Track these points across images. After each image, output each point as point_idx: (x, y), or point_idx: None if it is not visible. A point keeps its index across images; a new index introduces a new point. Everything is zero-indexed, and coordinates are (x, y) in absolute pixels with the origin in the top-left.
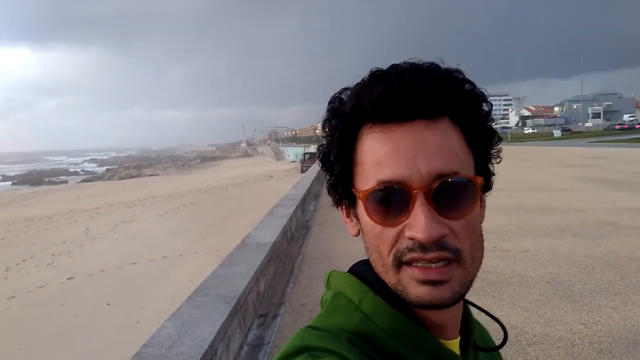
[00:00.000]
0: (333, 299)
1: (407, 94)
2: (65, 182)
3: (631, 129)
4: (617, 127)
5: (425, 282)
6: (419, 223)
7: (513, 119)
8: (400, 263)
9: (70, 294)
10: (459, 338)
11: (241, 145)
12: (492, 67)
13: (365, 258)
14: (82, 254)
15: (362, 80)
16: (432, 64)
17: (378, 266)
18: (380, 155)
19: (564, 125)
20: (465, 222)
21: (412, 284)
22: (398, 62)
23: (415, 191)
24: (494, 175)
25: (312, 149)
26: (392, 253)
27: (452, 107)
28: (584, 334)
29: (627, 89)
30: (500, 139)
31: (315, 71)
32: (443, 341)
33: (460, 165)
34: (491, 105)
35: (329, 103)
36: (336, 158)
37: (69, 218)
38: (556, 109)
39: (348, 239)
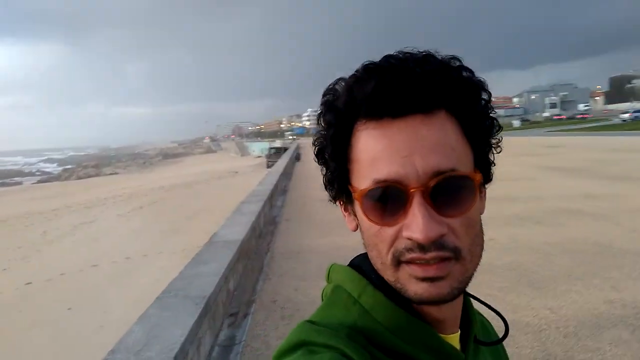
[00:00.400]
0: (332, 293)
1: (401, 89)
2: (20, 183)
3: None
4: (579, 116)
5: (423, 279)
6: (416, 224)
7: None
8: (399, 262)
9: (28, 300)
10: (459, 332)
11: (204, 141)
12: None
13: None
14: (40, 258)
15: (355, 73)
16: (427, 53)
17: (377, 263)
18: (374, 153)
19: (523, 116)
20: (464, 218)
21: (411, 281)
22: (392, 53)
23: (412, 190)
24: (494, 165)
25: (278, 143)
26: (390, 252)
27: (448, 99)
28: (551, 319)
29: (581, 80)
30: (500, 128)
31: (278, 64)
32: (443, 336)
33: (458, 161)
34: (490, 93)
35: (324, 95)
36: (331, 155)
37: (25, 221)
38: (515, 99)
39: (316, 234)
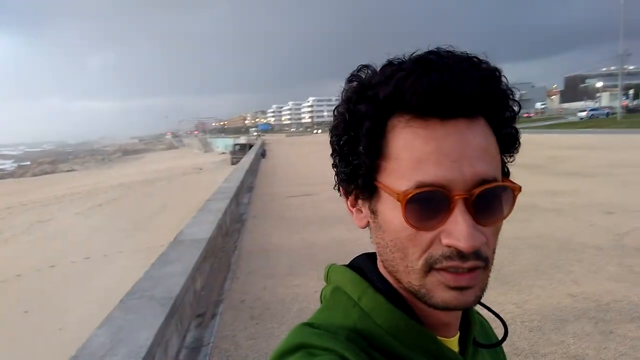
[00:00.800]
0: (332, 295)
1: (460, 91)
2: None
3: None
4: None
5: (454, 288)
6: (460, 231)
7: None
8: (430, 268)
9: None
10: (457, 335)
11: (166, 137)
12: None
13: (366, 252)
14: None
15: (400, 64)
16: (476, 57)
17: (398, 266)
18: (420, 154)
19: None
20: (495, 228)
21: (439, 288)
22: (437, 49)
23: (456, 196)
24: (509, 174)
25: (242, 140)
26: (423, 258)
27: (490, 108)
28: (516, 314)
29: (539, 79)
30: (520, 142)
31: (245, 60)
32: (443, 339)
33: (497, 170)
34: (520, 105)
35: (351, 81)
36: (365, 149)
37: None
38: None
39: (285, 232)
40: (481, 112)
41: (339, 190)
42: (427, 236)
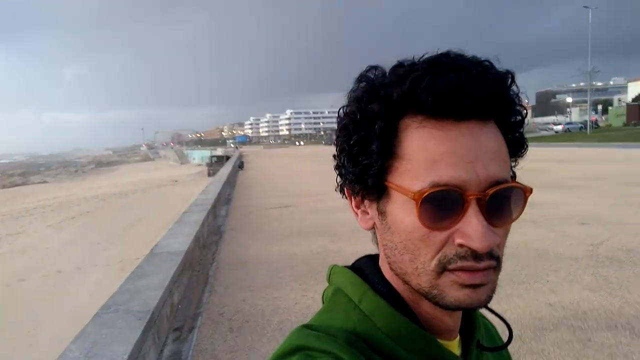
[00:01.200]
0: (332, 296)
1: (475, 93)
2: None
3: None
4: None
5: (467, 286)
6: (475, 231)
7: None
8: (444, 269)
9: None
10: (458, 337)
11: (141, 148)
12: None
13: (369, 254)
14: None
15: (412, 65)
16: (488, 60)
17: (407, 267)
18: (435, 155)
19: None
20: (506, 229)
21: (453, 288)
22: (449, 51)
23: (470, 197)
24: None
25: (219, 151)
26: (436, 258)
27: (502, 111)
28: (495, 323)
29: None
30: (527, 147)
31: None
32: (444, 342)
33: (508, 172)
34: (527, 110)
35: (361, 81)
36: (378, 149)
37: None
38: None
39: (264, 244)
40: (493, 115)
41: (341, 192)
42: (440, 236)
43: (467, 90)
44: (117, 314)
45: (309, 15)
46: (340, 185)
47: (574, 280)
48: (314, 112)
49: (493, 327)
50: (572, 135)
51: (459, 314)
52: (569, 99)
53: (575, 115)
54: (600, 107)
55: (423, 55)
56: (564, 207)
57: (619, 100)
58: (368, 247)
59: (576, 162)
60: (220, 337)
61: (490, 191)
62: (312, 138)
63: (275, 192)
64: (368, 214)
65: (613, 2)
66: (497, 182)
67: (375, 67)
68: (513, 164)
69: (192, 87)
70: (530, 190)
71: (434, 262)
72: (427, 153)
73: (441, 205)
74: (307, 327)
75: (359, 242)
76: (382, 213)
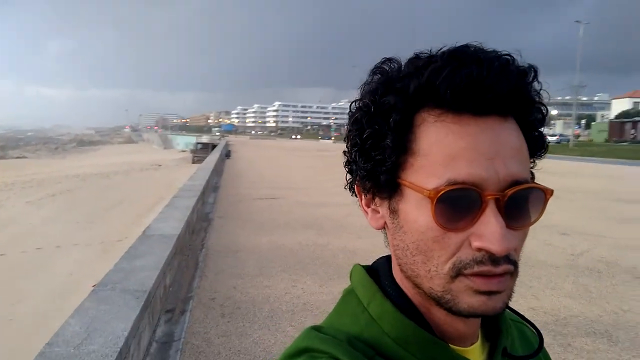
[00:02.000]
0: (344, 297)
1: (497, 87)
2: None
3: None
4: None
5: (482, 293)
6: (493, 233)
7: None
8: (458, 274)
9: None
10: (477, 343)
11: (125, 130)
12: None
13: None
14: None
15: (430, 57)
16: (509, 54)
17: (419, 270)
18: (453, 150)
19: None
20: (524, 233)
21: (467, 294)
22: (467, 44)
23: (488, 197)
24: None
25: (205, 139)
26: (451, 262)
27: (523, 108)
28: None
29: None
30: (547, 148)
31: (213, 57)
32: (460, 348)
33: (528, 172)
34: (547, 109)
35: (375, 73)
36: (393, 144)
37: None
38: None
39: (253, 233)
40: (513, 111)
41: (350, 189)
42: (455, 238)
43: (489, 83)
44: (115, 292)
45: (302, 7)
46: (350, 182)
47: (555, 287)
48: (302, 106)
49: (532, 331)
50: (554, 147)
51: (477, 319)
52: (554, 112)
53: (559, 128)
54: (583, 121)
55: (441, 48)
56: (545, 217)
57: (602, 116)
58: (354, 244)
59: (558, 175)
60: (212, 321)
61: (510, 192)
62: (299, 132)
63: (263, 183)
64: (379, 212)
65: (600, 20)
66: (517, 182)
67: (390, 59)
68: (531, 164)
69: (180, 71)
70: (552, 192)
71: (448, 265)
72: (445, 148)
73: (457, 204)
74: (315, 328)
75: (342, 237)
76: (393, 212)
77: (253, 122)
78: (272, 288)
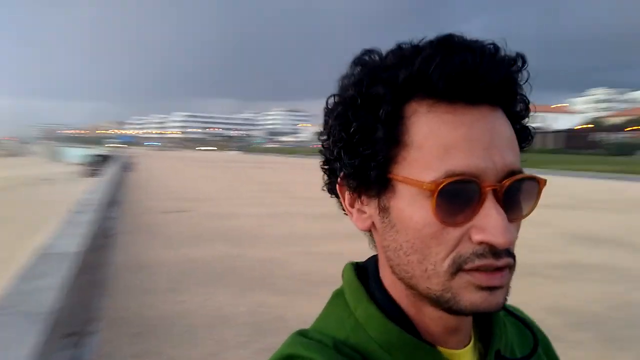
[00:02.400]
0: (332, 300)
1: (489, 75)
2: None
3: None
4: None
5: (484, 288)
6: (494, 226)
7: (308, 134)
8: (458, 270)
9: None
10: (470, 345)
11: (4, 141)
12: (295, 84)
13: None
14: None
15: (417, 47)
16: (493, 42)
17: (414, 270)
18: (448, 141)
19: None
20: (519, 224)
21: (468, 290)
22: (451, 33)
23: (487, 188)
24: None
25: (100, 150)
26: (450, 258)
27: (509, 98)
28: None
29: None
30: (532, 138)
31: (105, 67)
32: (450, 351)
33: (520, 162)
34: (529, 100)
35: (357, 65)
36: (384, 137)
37: None
38: None
39: (162, 247)
40: (501, 101)
41: (329, 191)
42: (454, 233)
43: (482, 72)
44: (13, 316)
45: (200, 14)
46: (329, 182)
47: None
48: (208, 117)
49: (531, 331)
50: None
51: (469, 320)
52: None
53: None
54: None
55: (423, 39)
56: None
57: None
58: (270, 254)
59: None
60: (123, 341)
61: (507, 182)
62: (204, 143)
63: (170, 195)
64: (365, 212)
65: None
66: (513, 172)
67: (370, 50)
68: None
69: (72, 80)
70: (545, 182)
71: (447, 262)
72: (440, 139)
73: (456, 197)
74: (301, 333)
75: (256, 247)
76: (384, 210)
77: (154, 133)
78: (187, 303)
